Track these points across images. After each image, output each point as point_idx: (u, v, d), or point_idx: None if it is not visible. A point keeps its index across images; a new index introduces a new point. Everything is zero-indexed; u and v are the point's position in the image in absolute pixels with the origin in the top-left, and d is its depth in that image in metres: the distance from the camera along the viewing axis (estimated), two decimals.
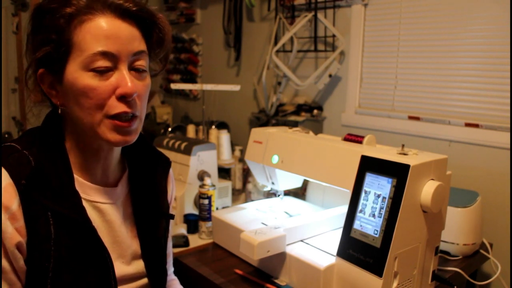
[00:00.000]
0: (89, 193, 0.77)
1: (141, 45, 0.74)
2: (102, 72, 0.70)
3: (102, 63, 0.69)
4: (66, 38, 0.69)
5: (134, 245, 0.85)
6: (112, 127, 0.72)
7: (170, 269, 1.04)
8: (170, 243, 1.01)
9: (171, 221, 0.97)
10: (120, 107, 0.71)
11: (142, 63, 0.75)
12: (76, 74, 0.69)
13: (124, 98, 0.71)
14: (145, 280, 0.86)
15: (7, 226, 0.66)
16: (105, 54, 0.69)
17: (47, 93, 0.75)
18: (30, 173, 0.69)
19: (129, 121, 0.73)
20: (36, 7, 0.72)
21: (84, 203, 0.75)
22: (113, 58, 0.70)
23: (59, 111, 0.76)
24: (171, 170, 0.96)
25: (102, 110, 0.71)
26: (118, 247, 0.81)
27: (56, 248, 0.70)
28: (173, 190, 0.98)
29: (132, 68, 0.73)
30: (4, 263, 0.67)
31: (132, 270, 0.83)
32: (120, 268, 0.81)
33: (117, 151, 0.83)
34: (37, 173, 0.70)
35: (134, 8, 0.72)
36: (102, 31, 0.69)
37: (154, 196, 0.89)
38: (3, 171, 0.68)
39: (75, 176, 0.76)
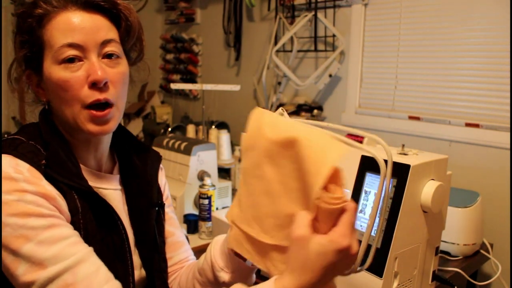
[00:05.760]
0: (90, 179, 0.80)
1: (109, 34, 0.76)
2: (71, 61, 0.72)
3: (69, 53, 0.72)
4: (37, 38, 0.74)
5: (130, 234, 0.86)
6: (89, 117, 0.74)
7: (191, 256, 1.03)
8: (181, 232, 1.01)
9: (173, 216, 0.98)
10: (93, 95, 0.73)
11: (113, 49, 0.76)
12: (50, 69, 0.73)
13: (95, 85, 0.73)
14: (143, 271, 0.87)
15: (59, 200, 0.70)
16: (71, 46, 0.72)
17: (36, 92, 0.79)
18: (45, 157, 0.72)
19: (104, 110, 0.75)
20: (14, 14, 0.77)
21: None
22: (80, 49, 0.73)
23: (46, 107, 0.80)
24: (162, 165, 0.98)
25: (79, 101, 0.73)
26: None
27: (84, 221, 0.73)
28: (166, 183, 1.00)
29: (104, 56, 0.75)
30: (70, 231, 0.69)
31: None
32: None
33: (106, 142, 0.84)
34: (51, 158, 0.73)
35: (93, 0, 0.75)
36: (67, 24, 0.73)
37: (145, 187, 0.91)
38: (19, 161, 0.69)
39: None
